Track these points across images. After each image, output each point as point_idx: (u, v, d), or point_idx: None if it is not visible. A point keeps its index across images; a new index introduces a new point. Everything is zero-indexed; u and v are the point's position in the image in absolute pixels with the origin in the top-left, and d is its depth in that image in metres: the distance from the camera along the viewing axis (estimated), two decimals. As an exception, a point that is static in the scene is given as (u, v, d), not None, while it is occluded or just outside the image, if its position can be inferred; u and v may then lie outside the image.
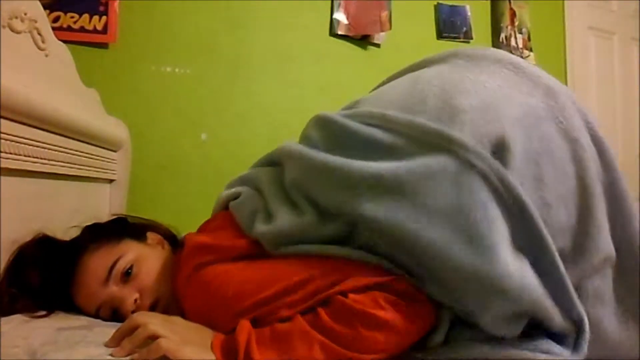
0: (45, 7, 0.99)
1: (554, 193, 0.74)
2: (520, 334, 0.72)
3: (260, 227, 0.80)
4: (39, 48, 0.97)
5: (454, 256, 0.66)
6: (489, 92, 0.80)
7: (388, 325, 0.67)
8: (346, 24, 2.03)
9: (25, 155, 0.87)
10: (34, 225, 0.90)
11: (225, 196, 0.94)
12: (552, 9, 2.58)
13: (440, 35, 2.25)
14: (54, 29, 1.06)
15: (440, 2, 2.25)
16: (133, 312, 0.83)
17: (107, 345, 0.67)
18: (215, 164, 1.81)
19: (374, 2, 2.08)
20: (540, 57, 2.44)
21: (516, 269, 0.66)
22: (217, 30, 1.86)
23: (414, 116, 0.78)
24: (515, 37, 2.40)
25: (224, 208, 0.93)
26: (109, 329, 0.71)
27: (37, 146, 0.91)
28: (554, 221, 0.73)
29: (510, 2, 2.40)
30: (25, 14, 0.88)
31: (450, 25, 2.26)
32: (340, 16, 2.03)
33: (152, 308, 0.86)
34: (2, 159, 0.78)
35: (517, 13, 2.42)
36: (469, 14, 2.30)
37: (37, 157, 0.92)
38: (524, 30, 2.43)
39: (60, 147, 1.02)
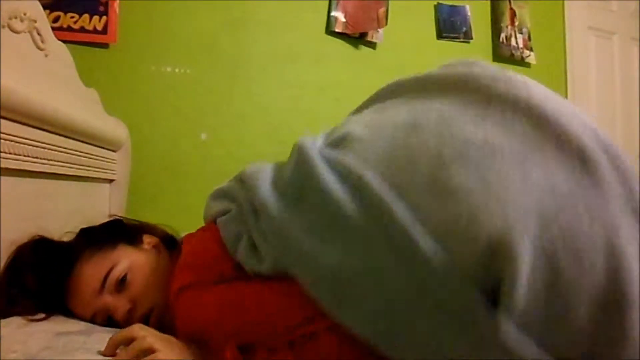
0: (45, 7, 0.99)
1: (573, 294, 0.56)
2: None
3: (241, 256, 0.76)
4: (39, 48, 0.97)
5: None
6: (496, 167, 0.61)
7: None
8: (343, 22, 2.03)
9: (25, 155, 0.87)
10: (34, 225, 0.90)
11: (215, 212, 0.87)
12: (552, 9, 2.57)
13: (440, 35, 2.24)
14: (54, 29, 1.06)
15: (440, 1, 2.25)
16: (127, 320, 0.84)
17: (102, 353, 0.67)
18: (215, 164, 1.81)
19: (372, 2, 2.07)
20: (540, 57, 2.44)
21: None
22: (217, 30, 1.86)
23: (400, 183, 0.64)
24: (516, 37, 2.40)
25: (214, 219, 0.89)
26: (108, 335, 0.71)
27: (37, 146, 0.91)
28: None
29: (510, 2, 2.40)
30: (25, 14, 0.88)
31: (450, 25, 2.26)
32: (337, 14, 2.03)
33: (147, 316, 0.86)
34: (2, 159, 0.78)
35: (517, 13, 2.42)
36: (469, 13, 2.30)
37: (37, 157, 0.92)
38: (524, 30, 2.43)
39: (60, 147, 1.02)
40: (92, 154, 1.23)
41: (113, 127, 1.42)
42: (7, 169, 0.81)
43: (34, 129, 0.89)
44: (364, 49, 2.10)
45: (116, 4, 1.69)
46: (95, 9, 1.66)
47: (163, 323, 0.84)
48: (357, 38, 2.07)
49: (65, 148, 1.04)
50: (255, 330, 0.71)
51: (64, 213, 1.07)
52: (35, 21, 0.92)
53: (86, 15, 1.65)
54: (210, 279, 0.79)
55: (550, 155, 0.62)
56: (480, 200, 0.58)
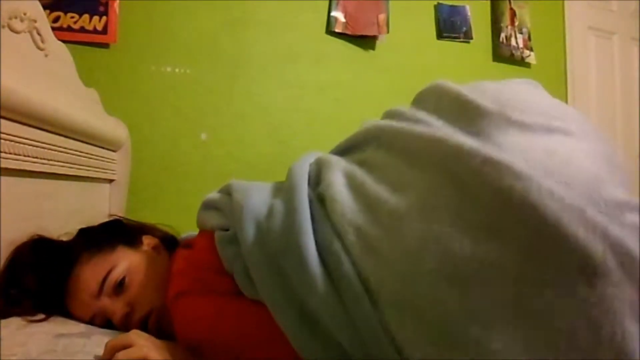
0: (45, 7, 0.99)
1: None
2: None
3: (238, 278, 0.76)
4: (39, 48, 0.97)
5: None
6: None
7: None
8: (343, 22, 2.03)
9: (25, 155, 0.86)
10: (34, 225, 0.90)
11: (214, 225, 0.86)
12: (552, 9, 2.57)
13: (440, 35, 2.24)
14: (54, 29, 1.06)
15: (440, 1, 2.25)
16: (125, 324, 0.84)
17: (101, 359, 0.67)
18: (215, 164, 1.81)
19: (372, 2, 2.07)
20: (540, 57, 2.44)
21: None
22: (217, 30, 1.86)
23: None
24: (516, 37, 2.40)
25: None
26: (107, 338, 0.71)
27: (37, 146, 0.91)
28: None
29: (510, 2, 2.40)
30: (25, 14, 0.88)
31: (450, 25, 2.26)
32: (338, 14, 2.03)
33: (145, 319, 0.85)
34: (2, 159, 0.78)
35: (517, 13, 2.41)
36: (469, 13, 2.30)
37: (37, 157, 0.91)
38: (524, 30, 2.43)
39: (60, 147, 1.02)
40: (92, 154, 1.23)
41: (113, 127, 1.42)
42: (7, 169, 0.80)
43: (34, 129, 0.89)
44: (364, 49, 2.10)
45: (116, 4, 1.69)
46: (95, 9, 1.66)
47: (162, 326, 0.84)
48: (357, 38, 2.07)
49: (65, 148, 1.04)
50: (244, 347, 0.72)
51: (64, 213, 1.06)
52: (35, 21, 0.92)
53: (86, 15, 1.65)
54: (209, 286, 0.79)
55: (549, 276, 0.55)
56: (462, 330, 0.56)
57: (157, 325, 0.85)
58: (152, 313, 0.86)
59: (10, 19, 0.84)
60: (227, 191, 0.88)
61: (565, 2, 2.60)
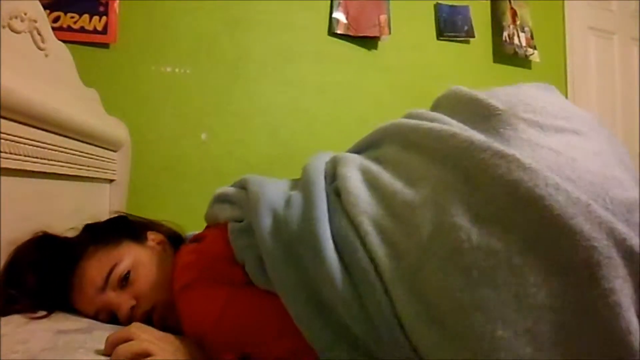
0: (45, 7, 0.99)
1: None
2: None
3: (249, 268, 0.78)
4: (39, 48, 0.97)
5: None
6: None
7: None
8: (345, 24, 2.03)
9: (25, 155, 0.86)
10: (34, 225, 0.90)
11: (227, 217, 0.88)
12: (552, 8, 2.58)
13: (440, 35, 2.24)
14: (54, 29, 1.06)
15: (440, 1, 2.25)
16: (129, 318, 0.84)
17: (102, 353, 0.67)
18: (215, 164, 1.81)
19: (373, 3, 2.07)
20: (540, 58, 2.44)
21: None
22: (217, 30, 1.86)
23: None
24: (519, 36, 2.39)
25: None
26: (108, 333, 0.70)
27: (37, 146, 0.91)
28: None
29: (510, 2, 2.40)
30: (25, 14, 0.88)
31: (451, 25, 2.25)
32: (339, 15, 2.02)
33: (149, 313, 0.85)
34: (2, 159, 0.78)
35: (517, 12, 2.41)
36: (469, 13, 2.30)
37: (37, 157, 0.91)
38: (526, 29, 2.43)
39: (60, 147, 1.02)
40: (92, 154, 1.23)
41: (113, 127, 1.42)
42: (7, 169, 0.80)
43: (34, 129, 0.89)
44: (364, 49, 2.10)
45: (116, 4, 1.69)
46: (95, 9, 1.66)
47: (166, 321, 0.84)
48: (358, 38, 2.06)
49: (65, 148, 1.04)
50: (253, 338, 0.72)
51: (64, 213, 1.06)
52: (35, 21, 0.92)
53: (86, 15, 1.65)
54: (217, 278, 0.79)
55: (554, 268, 0.56)
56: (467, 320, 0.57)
57: (162, 320, 0.85)
58: (157, 308, 0.86)
59: (10, 19, 0.84)
60: (241, 185, 0.90)
61: (566, 2, 2.60)
